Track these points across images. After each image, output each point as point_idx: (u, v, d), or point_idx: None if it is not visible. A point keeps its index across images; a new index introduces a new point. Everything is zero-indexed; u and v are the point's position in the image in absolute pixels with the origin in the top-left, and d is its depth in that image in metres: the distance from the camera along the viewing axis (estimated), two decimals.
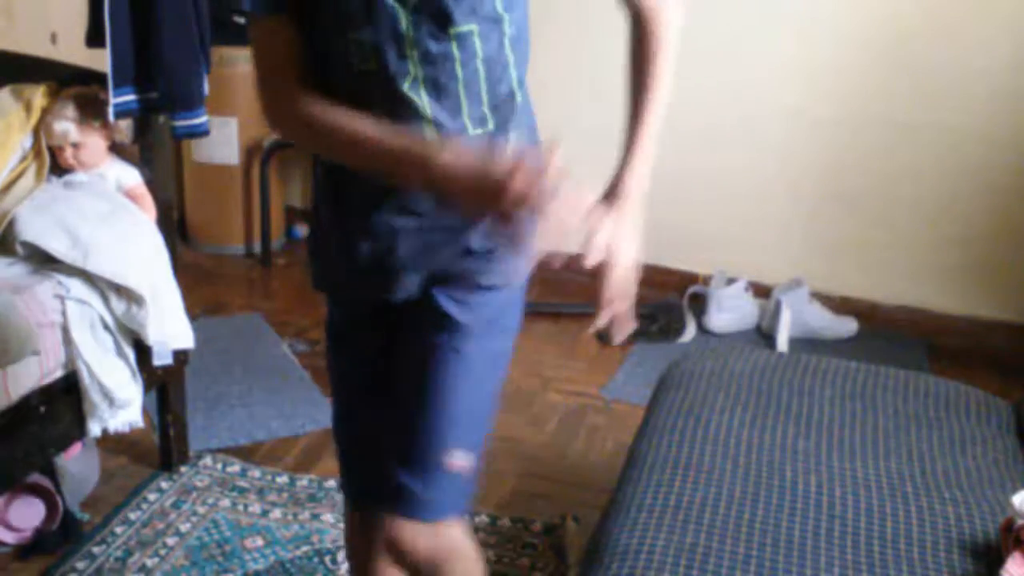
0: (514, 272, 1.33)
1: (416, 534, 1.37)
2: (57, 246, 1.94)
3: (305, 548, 2.16)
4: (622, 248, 1.17)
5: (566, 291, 3.14)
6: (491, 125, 1.25)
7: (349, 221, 1.32)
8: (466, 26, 1.17)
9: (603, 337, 3.19)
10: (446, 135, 1.20)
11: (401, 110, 1.19)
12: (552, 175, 1.04)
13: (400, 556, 1.41)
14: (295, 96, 1.22)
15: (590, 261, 1.13)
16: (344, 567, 2.10)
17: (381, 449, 1.39)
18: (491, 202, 1.07)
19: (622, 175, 1.26)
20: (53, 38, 3.55)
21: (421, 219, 1.28)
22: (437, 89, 1.19)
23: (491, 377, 1.40)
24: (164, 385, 2.31)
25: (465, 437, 1.37)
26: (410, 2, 1.15)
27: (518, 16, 1.23)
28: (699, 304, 3.35)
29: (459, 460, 1.36)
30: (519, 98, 1.28)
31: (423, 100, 1.19)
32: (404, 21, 1.15)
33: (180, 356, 2.27)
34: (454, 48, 1.18)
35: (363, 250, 1.31)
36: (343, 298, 1.45)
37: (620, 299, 1.17)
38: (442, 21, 1.16)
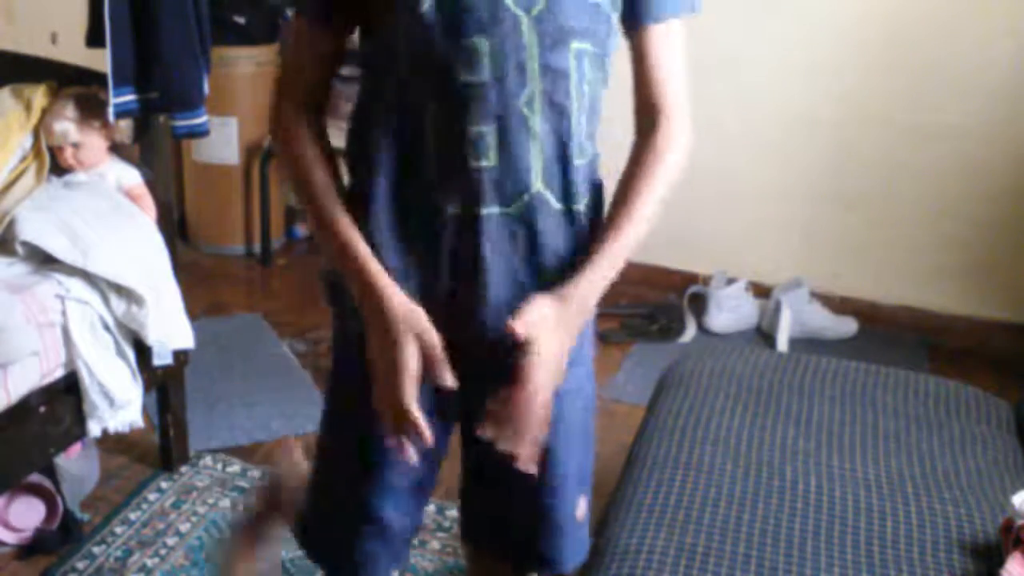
0: None
1: None
2: (57, 246, 1.94)
3: None
4: (551, 348, 1.11)
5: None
6: (589, 155, 1.20)
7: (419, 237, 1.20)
8: (584, 43, 1.13)
9: (604, 336, 3.20)
10: (551, 156, 1.15)
11: (507, 126, 1.12)
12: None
13: None
14: (295, 117, 1.19)
15: (519, 336, 1.08)
16: None
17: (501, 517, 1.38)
18: (379, 368, 1.13)
19: (579, 282, 1.15)
20: (53, 38, 3.56)
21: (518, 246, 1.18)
22: (552, 107, 1.13)
23: (590, 416, 1.36)
24: (164, 385, 2.31)
25: (585, 484, 1.38)
26: (533, 10, 1.09)
27: (611, 49, 1.19)
28: (699, 304, 3.35)
29: (583, 506, 1.38)
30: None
31: (535, 118, 1.12)
32: (527, 31, 1.09)
33: (180, 356, 2.27)
34: (572, 65, 1.13)
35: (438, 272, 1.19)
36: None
37: (533, 418, 1.11)
38: (563, 35, 1.11)
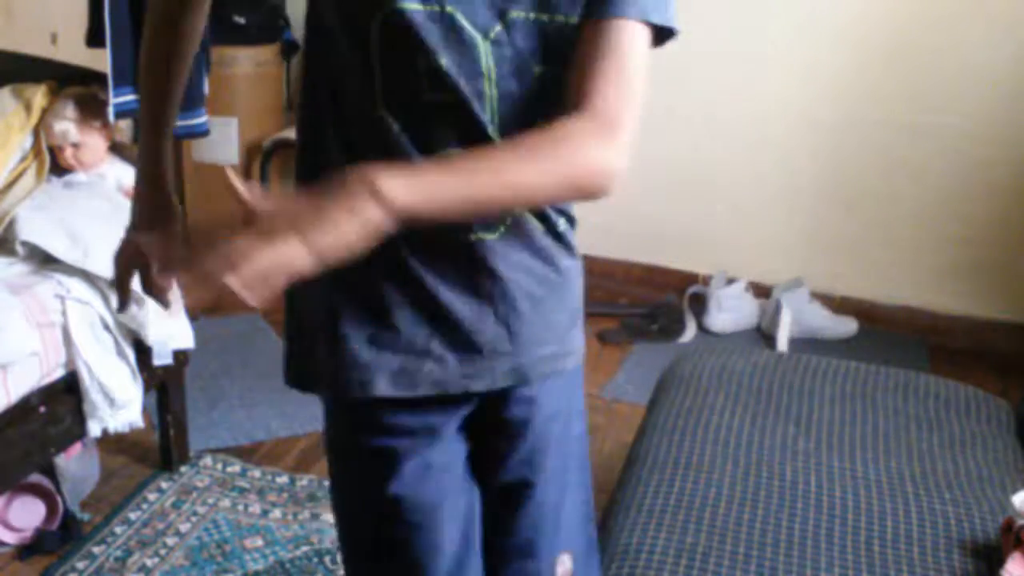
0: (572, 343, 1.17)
1: None
2: (57, 246, 1.94)
3: (305, 548, 2.16)
4: (283, 227, 0.84)
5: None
6: None
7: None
8: (547, 68, 1.02)
9: (603, 336, 3.20)
10: None
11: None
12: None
13: None
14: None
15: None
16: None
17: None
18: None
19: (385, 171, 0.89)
20: (53, 38, 3.55)
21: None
22: (514, 132, 0.99)
23: (583, 465, 1.26)
24: (164, 385, 2.31)
25: (574, 539, 1.23)
26: (491, 33, 0.99)
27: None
28: (699, 304, 3.35)
29: (567, 563, 1.22)
30: None
31: (498, 140, 1.02)
32: (484, 55, 0.99)
33: (180, 356, 2.27)
34: (534, 90, 1.02)
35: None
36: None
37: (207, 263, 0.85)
38: (525, 60, 1.01)
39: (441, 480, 1.12)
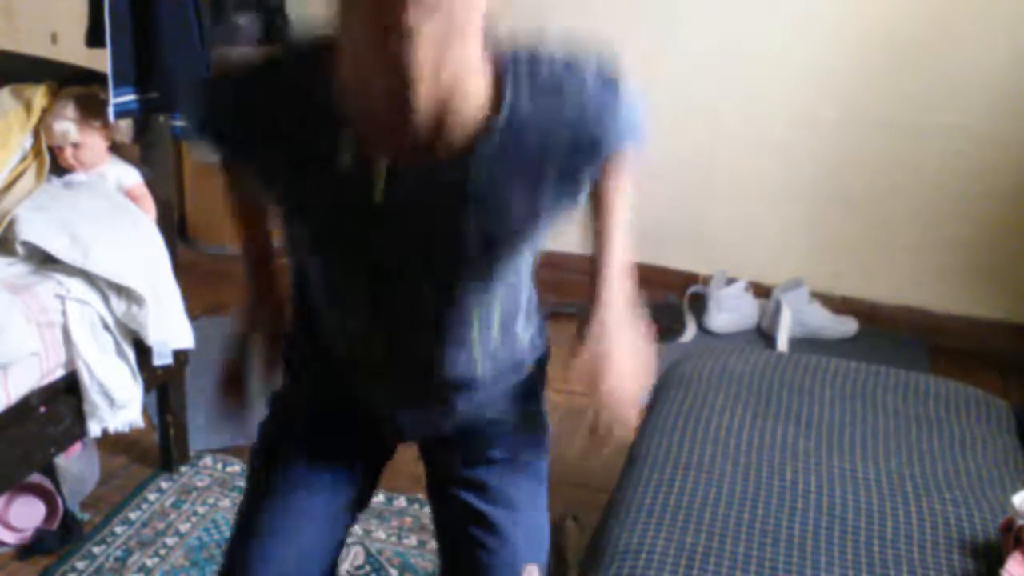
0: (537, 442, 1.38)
1: None
2: (57, 246, 1.94)
3: None
4: (610, 374, 1.20)
5: (565, 291, 3.14)
6: (507, 354, 1.29)
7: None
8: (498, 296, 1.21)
9: None
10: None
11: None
12: None
13: None
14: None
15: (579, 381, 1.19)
16: (343, 567, 2.10)
17: None
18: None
19: (596, 311, 1.25)
20: (53, 38, 3.55)
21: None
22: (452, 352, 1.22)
23: (541, 512, 1.37)
24: (164, 385, 2.31)
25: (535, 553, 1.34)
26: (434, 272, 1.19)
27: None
28: (699, 304, 3.35)
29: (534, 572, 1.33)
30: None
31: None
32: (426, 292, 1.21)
33: (180, 356, 2.27)
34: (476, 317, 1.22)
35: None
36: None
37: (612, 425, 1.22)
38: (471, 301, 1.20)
39: None
